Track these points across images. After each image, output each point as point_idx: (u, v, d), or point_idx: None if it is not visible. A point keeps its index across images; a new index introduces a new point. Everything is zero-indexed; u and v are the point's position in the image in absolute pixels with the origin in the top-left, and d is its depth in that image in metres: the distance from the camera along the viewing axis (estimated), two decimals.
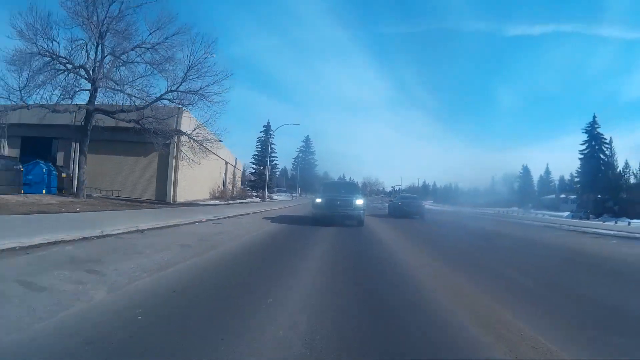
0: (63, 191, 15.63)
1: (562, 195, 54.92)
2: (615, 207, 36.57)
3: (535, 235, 12.70)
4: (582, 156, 46.97)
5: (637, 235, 11.64)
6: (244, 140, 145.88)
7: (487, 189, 67.00)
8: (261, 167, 42.01)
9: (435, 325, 2.89)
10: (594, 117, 47.07)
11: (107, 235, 6.23)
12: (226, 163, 31.75)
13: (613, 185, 42.36)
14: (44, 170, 14.57)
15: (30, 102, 13.09)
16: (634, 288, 4.87)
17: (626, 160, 45.19)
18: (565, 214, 37.33)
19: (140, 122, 14.10)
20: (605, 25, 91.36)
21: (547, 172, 68.67)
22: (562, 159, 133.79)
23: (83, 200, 12.87)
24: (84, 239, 5.70)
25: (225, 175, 31.52)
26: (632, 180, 40.91)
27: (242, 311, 2.99)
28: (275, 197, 41.30)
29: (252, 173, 44.46)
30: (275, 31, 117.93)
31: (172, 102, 14.58)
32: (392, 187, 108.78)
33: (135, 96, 13.73)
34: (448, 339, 2.62)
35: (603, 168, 44.50)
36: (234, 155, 35.73)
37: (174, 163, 18.04)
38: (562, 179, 68.61)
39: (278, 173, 61.86)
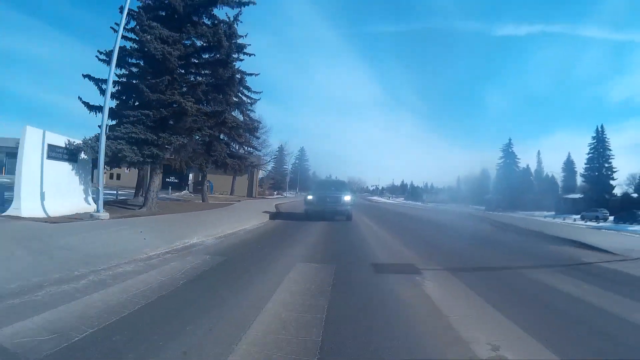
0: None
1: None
2: (520, 204, 56.00)
3: (417, 213, 32.44)
4: (498, 167, 68.37)
5: (489, 217, 31.16)
6: None
7: (452, 188, 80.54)
8: (278, 175, 62.26)
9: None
10: (510, 140, 68.42)
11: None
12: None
13: (519, 189, 63.92)
14: (210, 184, 34.02)
15: None
16: (408, 221, 24.85)
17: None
18: (483, 208, 57.60)
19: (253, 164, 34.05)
20: (591, 26, 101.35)
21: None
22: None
23: (236, 196, 32.39)
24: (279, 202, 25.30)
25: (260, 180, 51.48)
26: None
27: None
28: (285, 194, 61.16)
29: (271, 177, 64.46)
30: (266, 30, 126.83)
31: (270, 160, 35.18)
32: (372, 186, 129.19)
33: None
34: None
35: (512, 176, 65.71)
36: None
37: (255, 178, 37.96)
38: None
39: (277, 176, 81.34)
